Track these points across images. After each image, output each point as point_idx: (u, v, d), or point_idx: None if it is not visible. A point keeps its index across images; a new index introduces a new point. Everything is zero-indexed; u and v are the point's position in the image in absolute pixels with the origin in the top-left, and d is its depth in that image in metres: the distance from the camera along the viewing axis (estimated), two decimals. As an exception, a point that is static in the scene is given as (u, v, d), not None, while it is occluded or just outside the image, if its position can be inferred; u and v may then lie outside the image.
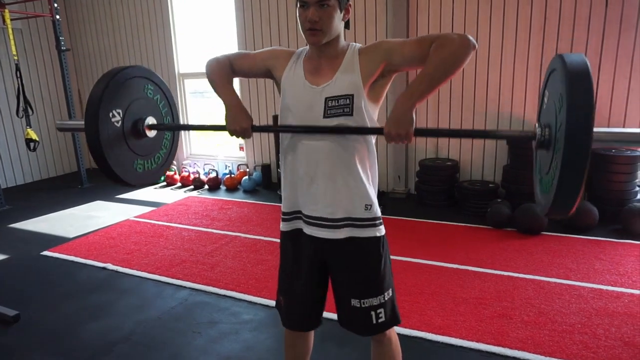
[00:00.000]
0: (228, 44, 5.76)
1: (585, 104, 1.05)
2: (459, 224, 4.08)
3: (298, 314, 1.62)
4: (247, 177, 5.54)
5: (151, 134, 1.70)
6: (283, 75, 1.48)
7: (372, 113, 1.42)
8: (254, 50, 1.61)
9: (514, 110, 4.48)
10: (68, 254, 3.66)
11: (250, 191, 5.46)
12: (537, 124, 1.31)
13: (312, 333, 1.75)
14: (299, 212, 1.51)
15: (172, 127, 1.81)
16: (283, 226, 1.58)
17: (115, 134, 1.56)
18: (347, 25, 1.45)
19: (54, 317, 2.76)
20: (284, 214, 1.56)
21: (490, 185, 4.48)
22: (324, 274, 1.57)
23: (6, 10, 4.93)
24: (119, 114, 1.55)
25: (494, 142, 4.62)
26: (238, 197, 5.25)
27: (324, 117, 1.38)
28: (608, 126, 4.15)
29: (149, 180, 1.75)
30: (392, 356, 1.60)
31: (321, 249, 1.49)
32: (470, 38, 1.27)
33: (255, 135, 5.75)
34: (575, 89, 1.05)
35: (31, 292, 3.07)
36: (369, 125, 1.41)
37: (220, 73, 1.55)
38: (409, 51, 1.34)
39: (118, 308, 2.83)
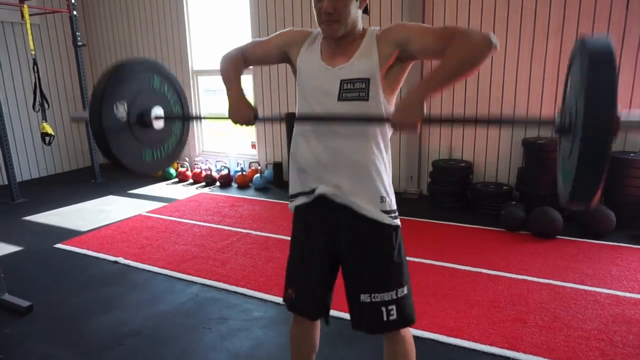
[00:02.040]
0: (242, 41, 5.76)
1: (607, 81, 0.96)
2: (472, 225, 4.02)
3: (306, 301, 1.59)
4: (258, 174, 5.54)
5: (158, 124, 1.69)
6: (299, 56, 1.46)
7: (388, 101, 1.39)
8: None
9: (531, 111, 4.41)
10: (80, 247, 3.69)
11: (261, 189, 5.46)
12: (557, 112, 1.25)
13: (317, 328, 1.73)
14: (311, 190, 1.46)
15: (177, 117, 1.79)
16: (292, 205, 1.56)
17: (120, 125, 1.56)
18: (365, 11, 1.42)
19: (66, 309, 2.77)
20: (292, 195, 1.54)
21: (505, 187, 4.42)
22: (334, 266, 1.55)
23: (25, 6, 5.00)
24: (123, 105, 1.55)
25: (508, 144, 4.56)
26: (249, 195, 5.25)
27: (339, 99, 1.36)
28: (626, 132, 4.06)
29: (159, 168, 1.75)
30: (406, 356, 1.56)
31: (332, 235, 1.47)
32: (492, 38, 1.21)
33: (268, 133, 5.77)
34: (595, 67, 0.97)
35: (44, 284, 3.10)
36: (384, 112, 1.36)
37: (229, 68, 1.56)
38: (429, 42, 1.30)
39: (129, 302, 2.84)
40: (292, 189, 1.55)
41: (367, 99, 1.34)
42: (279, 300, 2.75)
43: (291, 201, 1.57)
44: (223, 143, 6.60)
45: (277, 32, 1.55)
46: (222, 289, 2.96)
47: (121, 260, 3.42)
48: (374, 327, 1.48)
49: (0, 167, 5.51)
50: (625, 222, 3.77)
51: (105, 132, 1.50)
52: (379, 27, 1.41)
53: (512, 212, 3.88)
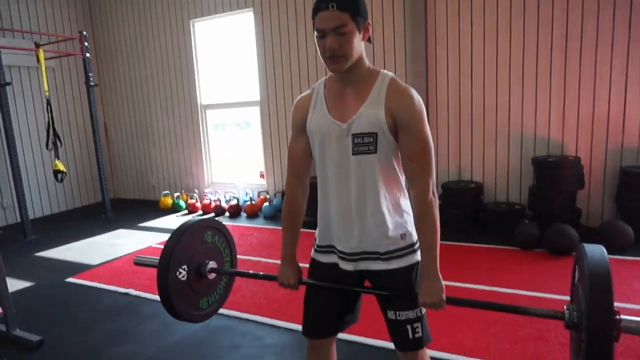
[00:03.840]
0: (250, 75, 5.90)
1: (606, 309, 1.09)
2: (486, 245, 3.96)
3: (317, 320, 1.58)
4: (267, 203, 5.54)
5: (212, 276, 1.83)
6: (308, 120, 1.47)
7: (395, 147, 1.40)
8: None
9: (538, 132, 4.41)
10: (92, 281, 3.68)
11: (270, 217, 5.45)
12: (566, 305, 1.31)
13: (334, 354, 1.68)
14: (333, 247, 1.52)
15: (228, 272, 1.90)
16: (316, 255, 1.58)
17: (182, 285, 1.70)
18: (369, 40, 1.41)
19: (77, 342, 2.74)
20: (318, 246, 1.57)
21: (517, 206, 4.36)
22: (355, 295, 1.57)
23: (41, 50, 5.20)
24: (184, 269, 1.70)
25: (518, 162, 4.54)
26: (259, 224, 5.24)
27: (353, 154, 1.39)
28: (639, 146, 4.03)
29: (214, 312, 1.89)
30: None
31: (359, 273, 1.52)
32: (432, 195, 1.35)
33: (276, 161, 5.80)
34: (595, 295, 1.12)
35: (55, 318, 3.07)
36: (392, 159, 1.40)
37: (283, 223, 1.61)
38: (409, 148, 1.35)
39: (140, 333, 2.80)
40: (318, 239, 1.57)
41: (375, 152, 1.37)
42: (292, 326, 2.69)
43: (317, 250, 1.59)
44: (232, 173, 6.64)
45: (292, 121, 1.55)
46: (234, 317, 2.90)
47: (132, 291, 3.39)
48: (401, 344, 1.49)
49: (14, 206, 5.58)
50: (643, 236, 3.68)
51: (171, 296, 1.65)
52: (392, 75, 1.40)
53: (526, 229, 3.82)
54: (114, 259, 4.19)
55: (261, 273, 1.81)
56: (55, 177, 5.34)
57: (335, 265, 1.52)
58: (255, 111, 5.98)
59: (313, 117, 1.45)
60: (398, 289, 1.46)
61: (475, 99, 4.63)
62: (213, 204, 5.80)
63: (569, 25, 4.13)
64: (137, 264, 1.95)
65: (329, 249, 1.54)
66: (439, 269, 1.37)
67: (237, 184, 6.33)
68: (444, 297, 1.35)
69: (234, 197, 5.79)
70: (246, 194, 5.95)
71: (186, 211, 6.06)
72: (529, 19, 4.27)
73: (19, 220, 5.32)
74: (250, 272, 1.86)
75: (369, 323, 1.89)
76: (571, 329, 1.27)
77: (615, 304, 2.86)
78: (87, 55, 5.74)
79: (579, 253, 1.32)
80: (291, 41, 5.45)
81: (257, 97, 5.83)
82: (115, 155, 7.28)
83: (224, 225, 1.89)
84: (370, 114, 1.35)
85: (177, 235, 1.70)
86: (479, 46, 4.52)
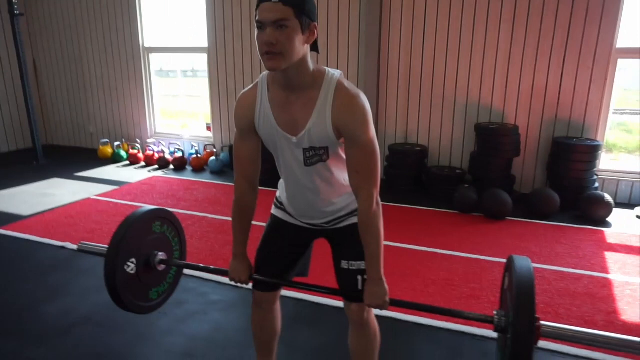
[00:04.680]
0: (197, 15, 5.55)
1: (528, 320, 1.23)
2: (428, 208, 4.13)
3: (269, 267, 1.62)
4: (214, 157, 5.40)
5: (161, 267, 1.77)
6: (256, 125, 1.41)
7: (342, 150, 1.42)
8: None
9: (482, 100, 4.55)
10: (23, 233, 3.46)
11: (217, 172, 5.33)
12: (496, 311, 1.42)
13: (278, 313, 1.74)
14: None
15: (178, 265, 1.85)
16: (277, 212, 1.63)
17: (130, 278, 1.66)
18: (314, 48, 1.32)
19: (9, 297, 2.60)
20: (280, 202, 1.62)
21: (458, 171, 4.56)
22: (307, 246, 1.66)
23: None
24: (132, 262, 1.66)
25: (462, 129, 4.70)
26: (205, 178, 5.12)
27: (306, 165, 1.40)
28: (570, 117, 4.29)
29: (164, 302, 1.85)
30: (371, 340, 1.62)
31: (319, 231, 1.60)
32: (376, 203, 1.38)
33: (224, 115, 5.62)
34: (519, 306, 1.25)
35: (-18, 272, 2.89)
36: (342, 153, 1.41)
37: (233, 220, 1.58)
38: (355, 160, 1.34)
39: (77, 288, 2.70)
40: (281, 197, 1.62)
41: (327, 160, 1.40)
42: (238, 283, 2.70)
43: (277, 205, 1.65)
44: (177, 125, 6.37)
45: (235, 122, 1.46)
46: (178, 273, 2.86)
47: (68, 245, 3.24)
48: (350, 293, 1.54)
49: None
50: (568, 203, 3.99)
51: (120, 291, 1.61)
52: (337, 77, 1.32)
53: (465, 194, 4.01)
54: (47, 210, 3.96)
55: (212, 267, 1.81)
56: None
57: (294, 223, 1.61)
58: (203, 59, 5.68)
59: (260, 123, 1.39)
60: (350, 241, 1.53)
61: (425, 66, 4.67)
62: (157, 156, 5.57)
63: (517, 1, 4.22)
64: (81, 251, 1.86)
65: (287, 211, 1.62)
66: (383, 275, 1.43)
67: (182, 135, 6.09)
68: (388, 299, 1.43)
69: (179, 150, 5.58)
70: (192, 146, 5.75)
71: (127, 162, 5.78)
72: (484, -15, 4.31)
73: None
74: (201, 265, 1.83)
75: (315, 281, 1.93)
76: (499, 332, 1.42)
77: (539, 265, 3.11)
78: (11, -21, 5.11)
79: (509, 263, 1.46)
80: (244, -13, 5.15)
81: (205, 44, 5.52)
82: (47, 96, 6.71)
83: (173, 214, 1.85)
84: (319, 129, 1.32)
85: (124, 227, 1.65)
86: (433, 14, 4.51)
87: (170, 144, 5.82)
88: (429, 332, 2.28)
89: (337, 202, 1.52)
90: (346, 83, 1.33)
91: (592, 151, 4.03)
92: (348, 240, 1.54)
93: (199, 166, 5.43)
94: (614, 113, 4.48)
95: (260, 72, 1.38)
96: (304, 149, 1.37)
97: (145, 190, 4.60)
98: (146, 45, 5.90)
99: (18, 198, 4.31)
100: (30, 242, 3.32)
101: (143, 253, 1.70)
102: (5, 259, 3.09)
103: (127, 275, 1.64)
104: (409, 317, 2.37)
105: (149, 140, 5.99)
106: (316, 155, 1.38)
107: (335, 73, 1.33)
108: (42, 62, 6.57)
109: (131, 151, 5.74)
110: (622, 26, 4.06)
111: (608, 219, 3.81)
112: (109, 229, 3.54)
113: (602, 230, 3.61)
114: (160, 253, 1.75)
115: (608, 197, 3.80)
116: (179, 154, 5.52)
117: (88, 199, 4.27)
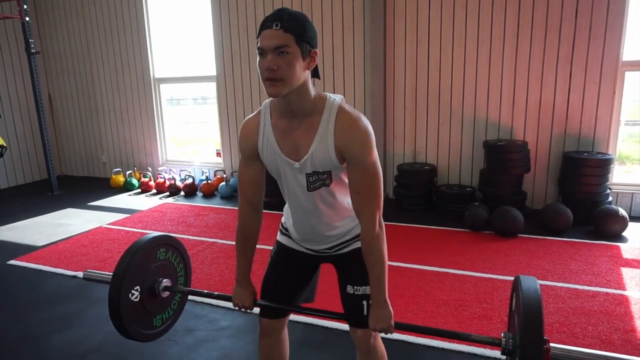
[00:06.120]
0: (205, 48, 5.70)
1: (536, 342, 1.20)
2: (438, 227, 4.09)
3: (275, 293, 1.62)
4: (224, 183, 5.45)
5: (165, 294, 1.78)
6: (259, 151, 1.43)
7: (344, 175, 1.44)
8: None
9: (490, 116, 4.55)
10: (36, 263, 3.51)
11: (227, 197, 5.37)
12: (503, 333, 1.39)
13: (286, 339, 1.72)
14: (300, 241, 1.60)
15: (181, 291, 1.85)
16: (282, 239, 1.65)
17: (134, 305, 1.66)
18: (316, 74, 1.34)
19: (23, 328, 2.63)
20: (285, 229, 1.63)
21: (468, 189, 4.53)
22: (314, 272, 1.67)
23: (-28, 12, 4.77)
24: (137, 290, 1.66)
25: (470, 146, 4.69)
26: (215, 203, 5.16)
27: (309, 190, 1.42)
28: (580, 131, 4.25)
29: (168, 329, 1.85)
30: None
31: (323, 257, 1.61)
32: (380, 231, 1.38)
33: (233, 140, 5.70)
34: (528, 329, 1.22)
35: (-4, 303, 2.93)
36: (345, 176, 1.43)
37: (236, 246, 1.59)
38: (357, 182, 1.35)
39: (89, 317, 2.72)
40: (286, 223, 1.63)
41: (330, 184, 1.42)
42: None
43: (282, 231, 1.66)
44: (187, 152, 6.47)
45: (239, 148, 1.51)
46: (188, 300, 2.86)
47: (80, 274, 3.28)
48: (356, 319, 1.53)
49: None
50: (581, 219, 3.93)
51: (123, 319, 1.61)
52: (339, 102, 1.34)
53: (476, 212, 3.98)
54: (61, 240, 4.02)
55: (215, 293, 1.80)
56: (-6, 152, 4.99)
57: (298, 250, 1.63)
58: (212, 87, 5.81)
59: (264, 150, 1.42)
60: (355, 265, 1.51)
61: (431, 84, 4.71)
62: (167, 183, 5.65)
63: (520, 14, 4.24)
64: (87, 279, 1.87)
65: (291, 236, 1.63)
66: (387, 297, 1.42)
67: (192, 162, 6.18)
68: (393, 323, 1.41)
69: (190, 176, 5.65)
70: (202, 172, 5.82)
71: (139, 190, 5.87)
72: (483, 3, 4.35)
73: (-47, 197, 4.97)
74: (205, 291, 1.83)
75: (321, 306, 1.92)
76: (507, 355, 1.38)
77: (553, 283, 3.04)
78: (27, 19, 5.32)
79: (515, 284, 1.44)
80: (249, 15, 5.29)
81: (214, 72, 5.65)
82: (61, 129, 6.89)
83: (177, 240, 1.87)
84: (321, 153, 1.34)
85: (129, 256, 1.67)
86: (436, 32, 4.57)
87: (181, 170, 5.91)
88: (439, 355, 2.24)
89: (340, 226, 1.52)
90: (347, 107, 1.35)
91: (603, 165, 3.98)
92: (354, 265, 1.53)
93: (210, 192, 5.48)
94: (625, 124, 4.43)
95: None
96: (306, 174, 1.39)
97: (156, 217, 4.65)
98: (156, 76, 6.06)
99: (33, 229, 4.39)
100: (43, 272, 3.37)
101: (147, 280, 1.70)
102: (18, 289, 3.13)
103: (131, 303, 1.64)
104: (418, 339, 2.33)
105: (160, 168, 6.09)
106: (319, 180, 1.39)
107: (337, 98, 1.35)
108: (57, 97, 6.78)
109: (143, 179, 5.83)
110: (628, 39, 4.06)
111: (623, 234, 3.73)
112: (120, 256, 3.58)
113: (617, 245, 3.53)
114: (164, 280, 1.76)
115: (622, 211, 3.73)
116: (190, 181, 5.59)
117: (100, 228, 4.33)
